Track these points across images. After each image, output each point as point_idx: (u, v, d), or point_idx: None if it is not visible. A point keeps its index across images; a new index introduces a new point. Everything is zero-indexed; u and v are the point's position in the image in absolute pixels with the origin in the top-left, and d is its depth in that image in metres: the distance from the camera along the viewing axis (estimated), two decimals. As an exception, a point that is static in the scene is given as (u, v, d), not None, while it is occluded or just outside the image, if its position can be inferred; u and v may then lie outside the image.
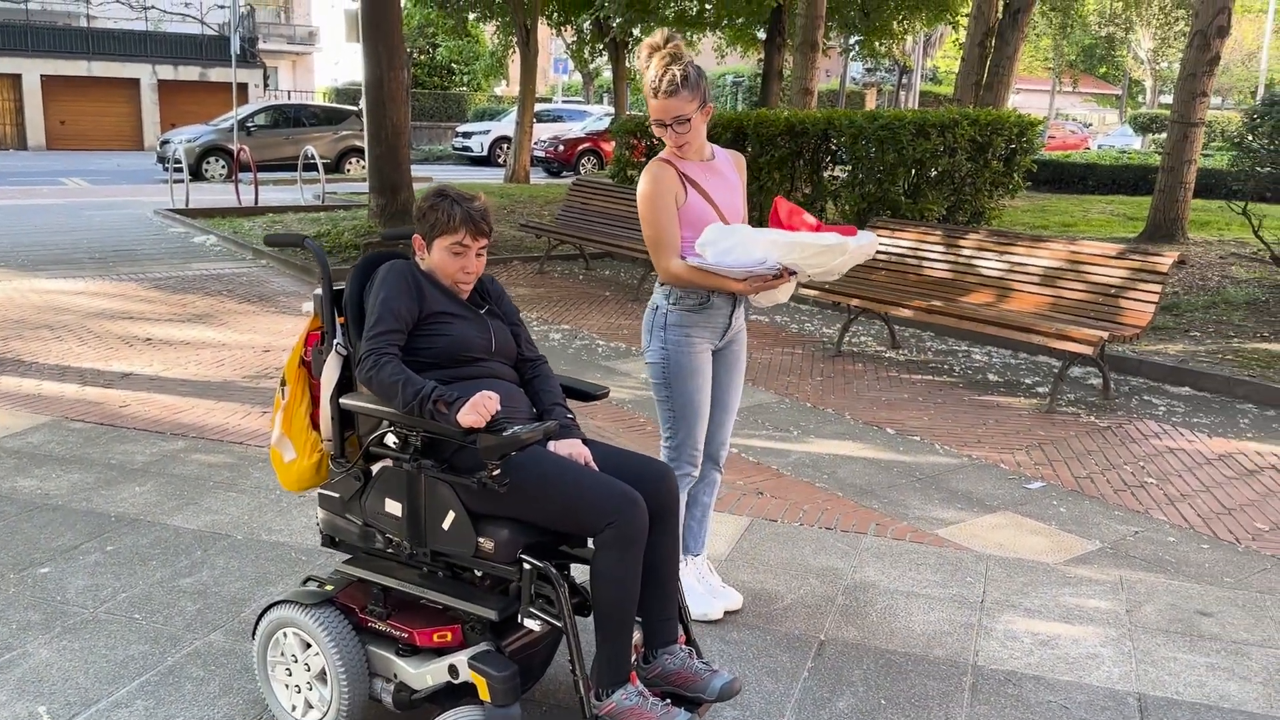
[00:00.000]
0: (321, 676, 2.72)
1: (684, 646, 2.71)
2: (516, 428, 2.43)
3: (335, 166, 22.56)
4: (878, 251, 7.41)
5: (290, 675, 2.79)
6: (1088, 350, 5.65)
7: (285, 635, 2.77)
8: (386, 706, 2.68)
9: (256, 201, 15.53)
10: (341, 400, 2.69)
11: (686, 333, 3.25)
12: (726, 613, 3.50)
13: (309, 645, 2.73)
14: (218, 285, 9.48)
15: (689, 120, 3.11)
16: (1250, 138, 9.53)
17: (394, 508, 2.65)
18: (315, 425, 2.83)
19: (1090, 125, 44.41)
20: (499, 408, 2.44)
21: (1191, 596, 3.70)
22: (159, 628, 3.34)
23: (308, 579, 2.91)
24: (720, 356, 3.38)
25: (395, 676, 2.68)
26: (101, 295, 8.83)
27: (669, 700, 2.54)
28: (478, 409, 2.40)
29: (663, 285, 3.31)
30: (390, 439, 2.62)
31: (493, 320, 2.81)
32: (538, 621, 2.49)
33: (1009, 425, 5.67)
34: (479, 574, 2.63)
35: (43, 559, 3.79)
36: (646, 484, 2.62)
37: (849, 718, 2.93)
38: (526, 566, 2.48)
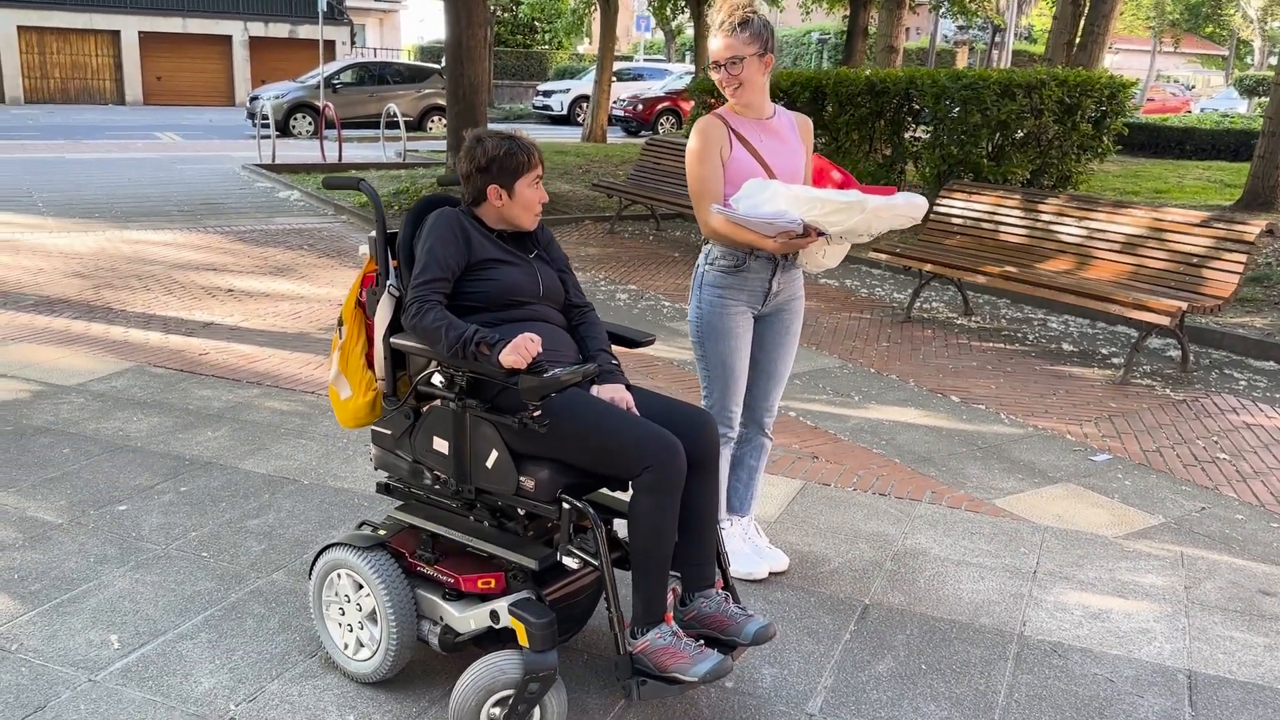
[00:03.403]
0: (372, 617, 2.82)
1: (720, 591, 2.74)
2: (557, 369, 2.47)
3: (418, 124, 22.82)
4: (953, 215, 7.28)
5: (343, 615, 2.90)
6: (1165, 321, 5.48)
7: (339, 576, 2.88)
8: (433, 648, 2.77)
9: (340, 158, 15.81)
10: (391, 339, 2.76)
11: (720, 294, 3.25)
12: (772, 573, 3.52)
13: (361, 586, 2.83)
14: (299, 240, 9.72)
15: (742, 60, 3.08)
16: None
17: (441, 445, 2.72)
18: (370, 364, 2.91)
19: (1193, 87, 42.61)
20: (540, 350, 2.49)
21: (1255, 576, 3.60)
22: (225, 566, 3.49)
23: (362, 524, 3.01)
24: (767, 322, 3.37)
25: (441, 619, 2.76)
26: (188, 247, 9.12)
27: (702, 642, 2.57)
28: (519, 350, 2.45)
29: (705, 244, 3.32)
30: (437, 379, 2.68)
31: (541, 265, 2.86)
32: (575, 560, 2.54)
33: (1079, 396, 5.55)
34: (523, 525, 2.69)
35: (121, 497, 3.98)
36: (687, 431, 2.64)
37: (888, 681, 2.93)
38: (565, 506, 2.54)
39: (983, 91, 9.96)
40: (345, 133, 17.38)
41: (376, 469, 2.94)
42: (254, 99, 22.49)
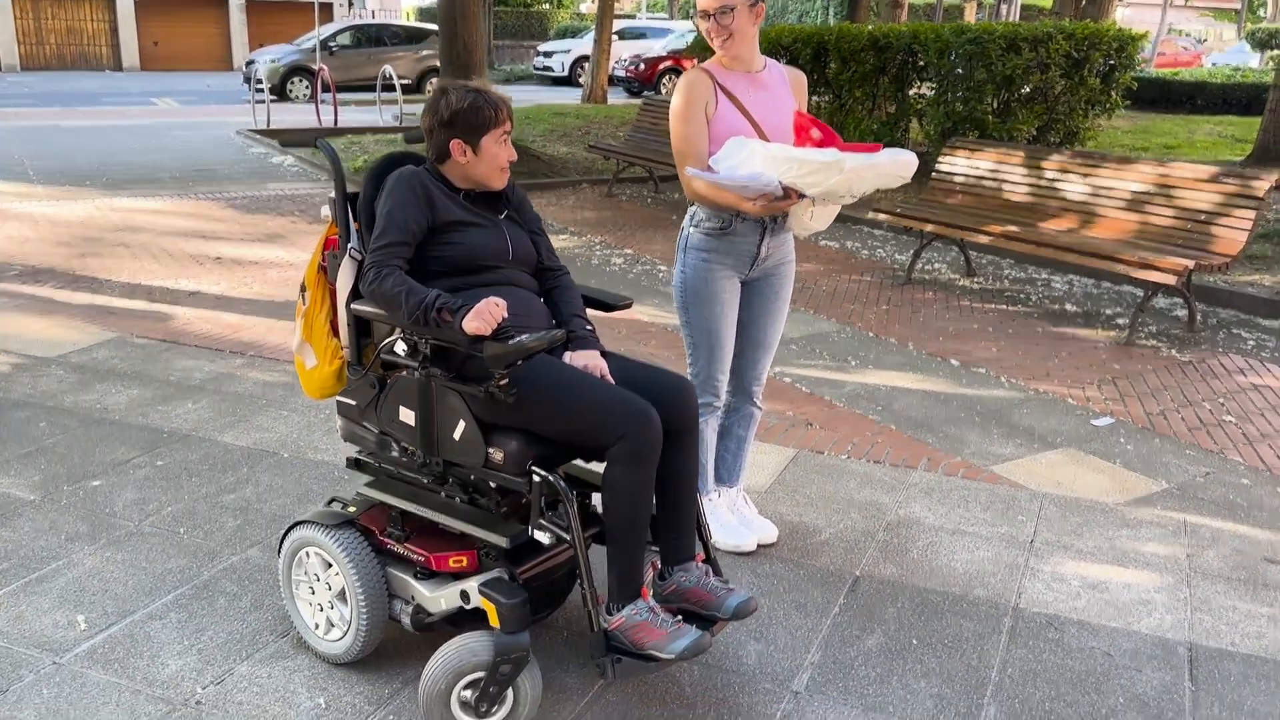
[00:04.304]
0: (342, 596, 2.73)
1: (701, 564, 2.64)
2: (523, 336, 2.35)
3: (416, 87, 22.53)
4: (955, 174, 7.11)
5: (313, 594, 2.80)
6: (1171, 280, 5.34)
7: (308, 555, 2.78)
8: (405, 628, 2.68)
9: (336, 122, 15.60)
10: (352, 305, 2.64)
11: (705, 257, 3.12)
12: (760, 545, 3.41)
13: (330, 565, 2.74)
14: (291, 206, 9.57)
15: (733, 10, 2.92)
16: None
17: (407, 416, 2.61)
18: (336, 331, 2.80)
19: (1204, 41, 41.92)
20: (506, 314, 2.37)
21: (1260, 543, 3.49)
22: (199, 542, 3.40)
23: (332, 500, 2.91)
24: (754, 288, 3.24)
25: (413, 599, 2.67)
26: (178, 214, 8.98)
27: (680, 617, 2.47)
28: (482, 316, 2.33)
29: (690, 205, 3.18)
30: (400, 346, 2.57)
31: (511, 227, 2.73)
32: (548, 534, 2.44)
33: (1082, 358, 5.42)
34: (496, 500, 2.59)
35: (96, 472, 3.89)
36: (663, 398, 2.52)
37: (877, 657, 2.84)
38: (536, 479, 2.43)
39: (988, 46, 9.73)
40: (343, 96, 17.17)
41: (344, 440, 2.83)
42: (250, 63, 22.23)
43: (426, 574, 2.66)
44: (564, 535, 2.40)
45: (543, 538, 2.45)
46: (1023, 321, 6.09)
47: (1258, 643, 2.92)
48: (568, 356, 2.58)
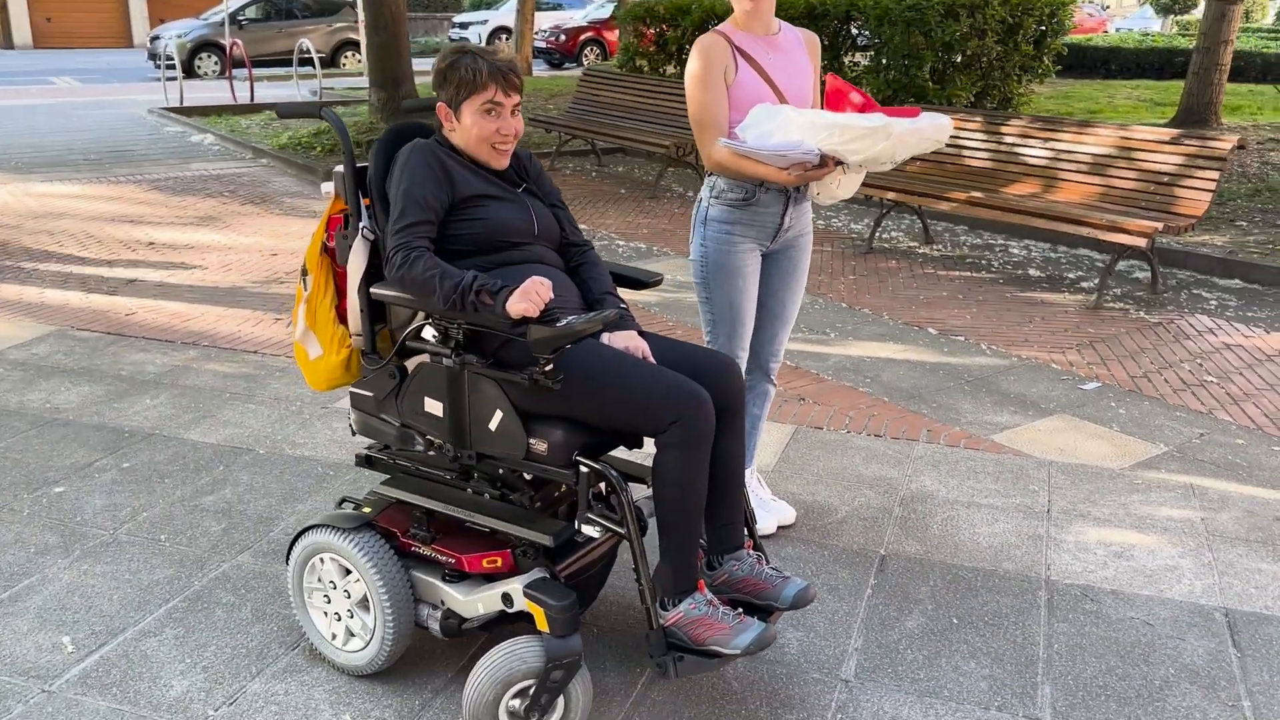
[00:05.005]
0: (364, 604, 2.54)
1: (751, 552, 2.52)
2: (571, 318, 2.18)
3: (330, 60, 21.83)
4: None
5: (329, 603, 2.61)
6: (1141, 243, 5.37)
7: (322, 561, 2.59)
8: (434, 634, 2.51)
9: (252, 98, 15.01)
10: (372, 290, 2.43)
11: (728, 230, 2.99)
12: (779, 527, 3.31)
13: (349, 572, 2.55)
14: (219, 186, 9.14)
15: None
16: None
17: (434, 407, 2.42)
18: (342, 318, 2.59)
19: (1107, 7, 42.98)
20: (552, 295, 2.20)
21: (1269, 503, 3.51)
22: (183, 550, 3.17)
23: (343, 500, 2.72)
24: (774, 260, 3.12)
25: (442, 603, 2.50)
26: (99, 198, 8.51)
27: (740, 610, 2.35)
28: (529, 296, 2.16)
29: (709, 176, 3.04)
30: (429, 332, 2.38)
31: (532, 200, 2.55)
32: (596, 529, 2.29)
33: (1056, 323, 5.43)
34: (530, 495, 2.43)
35: (57, 477, 3.61)
36: (710, 378, 2.39)
37: (920, 639, 2.76)
38: (584, 469, 2.28)
39: (926, 13, 9.73)
40: (255, 71, 16.51)
41: (356, 435, 2.63)
42: (155, 39, 21.29)
43: (457, 576, 2.49)
44: (617, 529, 2.26)
45: (592, 532, 2.30)
46: (989, 288, 6.09)
47: (1290, 604, 2.92)
48: (606, 337, 2.42)
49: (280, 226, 7.57)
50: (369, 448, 2.69)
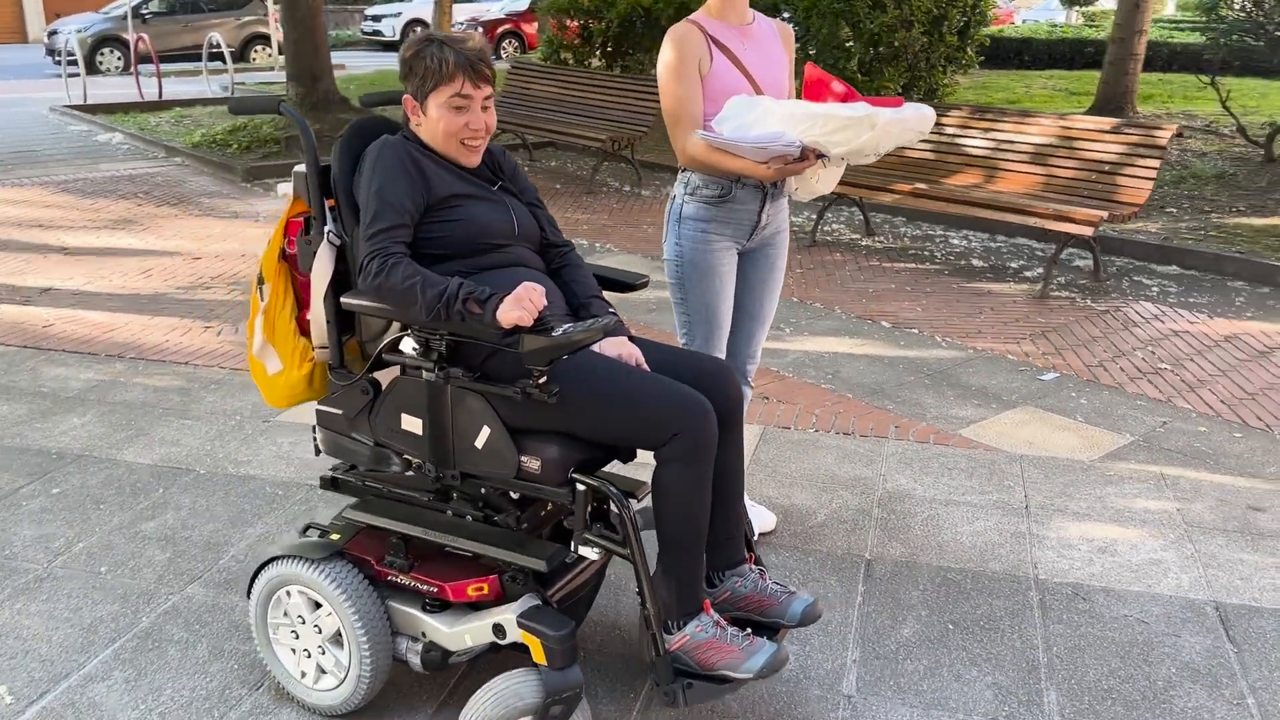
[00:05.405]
0: (337, 639, 2.36)
1: (753, 567, 2.41)
2: (566, 326, 2.03)
3: (240, 55, 21.11)
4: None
5: (297, 638, 2.42)
6: (1088, 231, 5.40)
7: (289, 594, 2.39)
8: (414, 669, 2.34)
9: (161, 95, 14.39)
10: (343, 300, 2.24)
11: (704, 228, 2.86)
12: (760, 534, 3.21)
13: (319, 605, 2.36)
14: (132, 187, 8.71)
15: None
16: (1222, 5, 9.24)
17: (412, 424, 2.24)
18: (303, 330, 2.40)
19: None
20: (546, 302, 2.05)
21: (1239, 491, 3.51)
22: (127, 582, 2.93)
23: (307, 527, 2.53)
24: (751, 258, 3.00)
25: (424, 635, 2.33)
26: (3, 202, 8.03)
27: (749, 630, 2.23)
28: (522, 304, 2.00)
29: (683, 172, 2.90)
30: (408, 344, 2.21)
31: (510, 199, 2.39)
32: (595, 550, 2.15)
33: (1006, 313, 5.43)
34: (516, 516, 2.27)
35: (-22, 508, 3.33)
36: (707, 385, 2.26)
37: (918, 647, 2.67)
38: (580, 487, 2.13)
39: (855, 4, 9.74)
40: (161, 67, 15.85)
41: (326, 454, 2.44)
42: (53, 33, 20.34)
43: (439, 606, 2.33)
44: (619, 550, 2.12)
45: (590, 554, 2.16)
46: (935, 279, 6.08)
47: (1277, 595, 2.91)
48: (596, 345, 2.28)
49: (201, 229, 7.22)
50: (334, 468, 2.51)
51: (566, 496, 2.14)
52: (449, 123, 2.26)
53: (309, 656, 2.42)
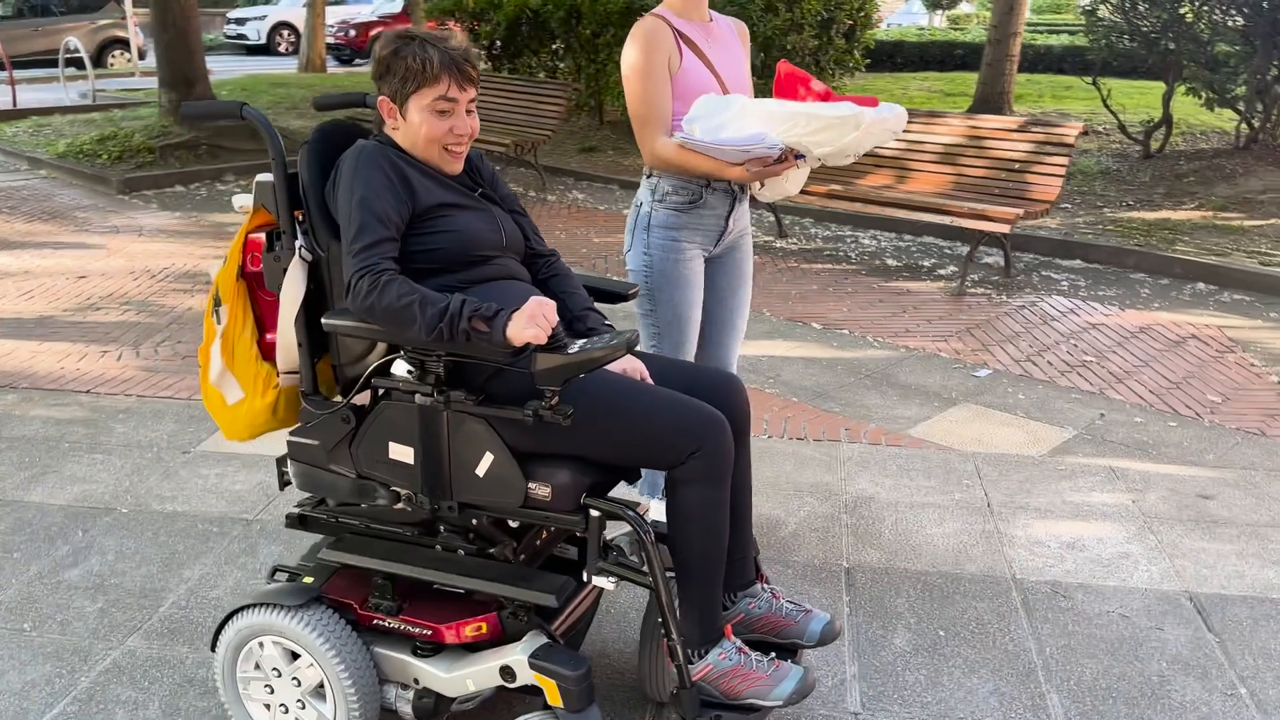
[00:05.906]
0: (319, 691, 2.17)
1: (765, 586, 2.31)
2: (582, 343, 1.90)
3: (97, 60, 20.00)
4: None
5: (272, 693, 2.22)
6: (1004, 229, 5.51)
7: (262, 645, 2.19)
8: (404, 718, 2.17)
9: (15, 103, 13.51)
10: (324, 320, 2.05)
11: (674, 236, 2.76)
12: (736, 547, 3.12)
13: (297, 656, 2.17)
14: (-5, 201, 8.11)
15: None
16: (1102, 8, 9.62)
17: (401, 453, 2.07)
18: (266, 354, 2.20)
19: (881, 3, 45.11)
20: (558, 318, 1.92)
21: (1185, 480, 3.60)
22: (57, 639, 2.66)
23: (276, 570, 2.32)
24: (719, 264, 2.92)
25: (416, 681, 2.16)
26: None
27: (772, 654, 2.13)
28: (536, 321, 1.85)
29: (650, 176, 2.79)
30: (401, 367, 2.03)
31: (493, 208, 2.24)
32: (611, 580, 2.02)
33: (928, 311, 5.49)
34: (513, 548, 2.12)
35: None
36: (718, 398, 2.17)
37: (914, 656, 2.63)
38: (594, 513, 2.00)
39: (748, 7, 9.79)
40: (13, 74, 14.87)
41: (301, 489, 2.24)
42: (-116, 37, 18.88)
43: (431, 649, 2.16)
44: (639, 579, 2.00)
45: (605, 584, 2.03)
46: (854, 279, 6.12)
47: (1243, 582, 2.97)
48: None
49: (80, 245, 6.75)
50: (300, 504, 2.31)
51: (580, 524, 2.00)
52: (432, 128, 2.09)
53: (286, 711, 2.22)
